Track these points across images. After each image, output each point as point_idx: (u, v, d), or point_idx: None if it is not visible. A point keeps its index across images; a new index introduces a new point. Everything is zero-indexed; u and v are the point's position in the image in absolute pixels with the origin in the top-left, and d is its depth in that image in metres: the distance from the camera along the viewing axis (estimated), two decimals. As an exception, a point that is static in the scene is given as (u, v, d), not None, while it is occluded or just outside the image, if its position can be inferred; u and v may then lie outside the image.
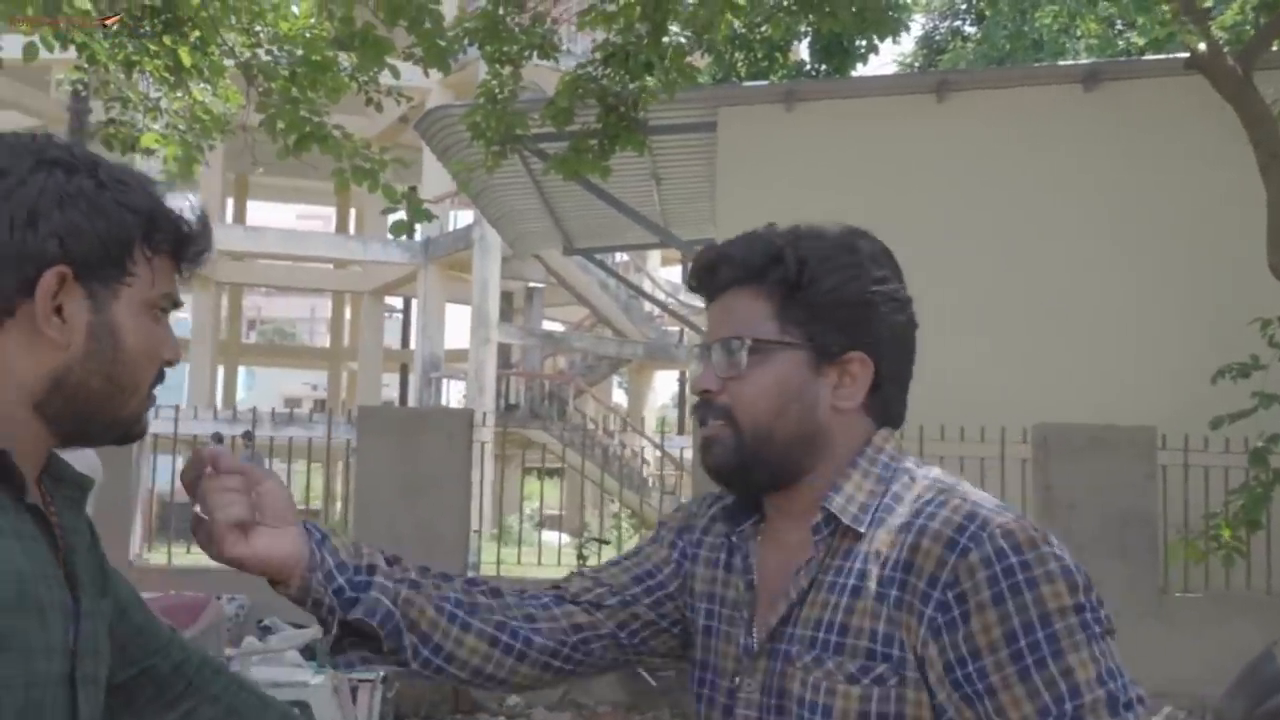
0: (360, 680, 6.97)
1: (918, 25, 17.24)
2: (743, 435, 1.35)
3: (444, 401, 22.30)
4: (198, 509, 1.28)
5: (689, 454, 10.87)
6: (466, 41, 8.22)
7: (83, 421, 1.19)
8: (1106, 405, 8.44)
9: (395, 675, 7.57)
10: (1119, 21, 15.17)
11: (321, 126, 6.57)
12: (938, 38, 17.29)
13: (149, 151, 7.77)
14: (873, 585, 1.27)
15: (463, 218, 22.94)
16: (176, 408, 9.38)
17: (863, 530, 1.31)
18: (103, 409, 1.19)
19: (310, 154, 6.76)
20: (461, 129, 8.99)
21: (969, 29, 16.89)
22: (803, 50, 12.66)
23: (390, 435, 8.44)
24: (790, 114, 9.66)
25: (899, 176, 9.47)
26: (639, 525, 17.79)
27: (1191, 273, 9.09)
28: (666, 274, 25.11)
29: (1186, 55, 7.39)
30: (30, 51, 5.96)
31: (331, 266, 29.15)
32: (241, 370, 42.75)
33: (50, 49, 6.07)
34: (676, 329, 23.44)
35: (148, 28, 7.42)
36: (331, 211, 33.17)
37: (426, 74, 6.60)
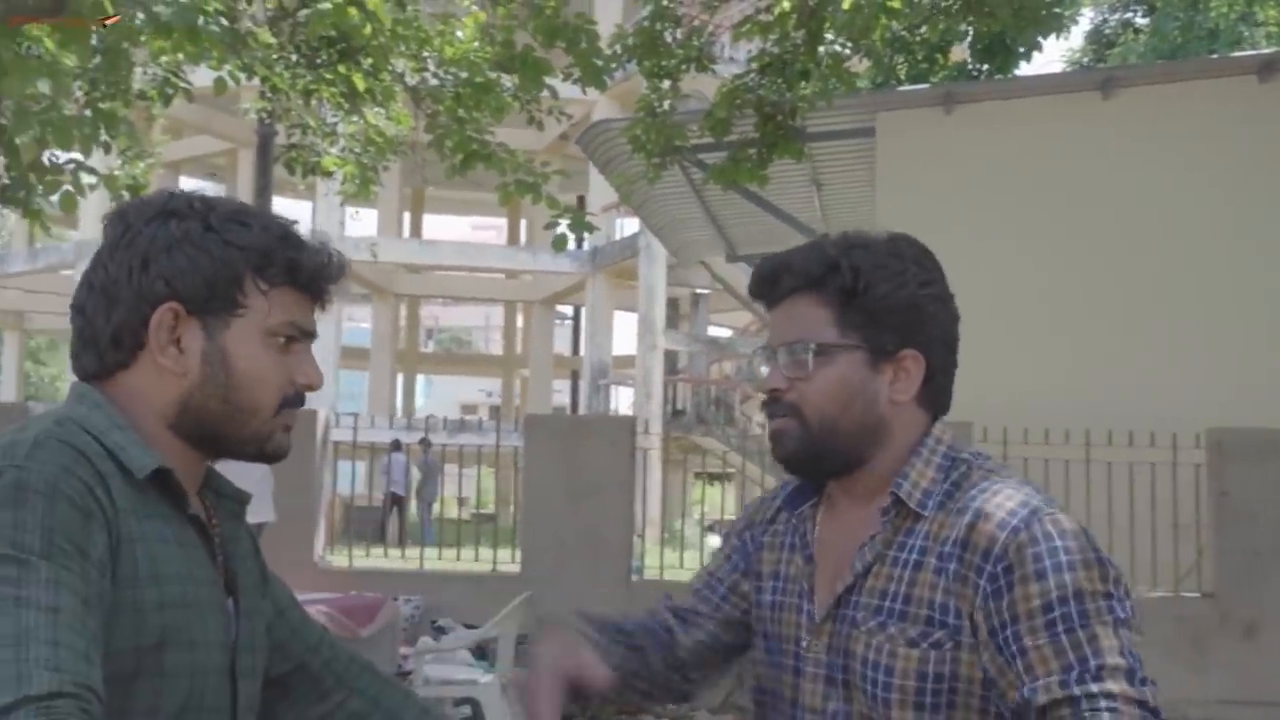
0: (529, 679, 7.20)
1: (1086, 19, 16.79)
2: (810, 429, 1.49)
3: (613, 408, 22.65)
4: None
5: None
6: (625, 58, 8.43)
7: (212, 440, 1.34)
8: (1283, 409, 8.13)
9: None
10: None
11: (486, 145, 6.84)
12: (1107, 31, 16.78)
13: (328, 173, 8.19)
14: (933, 560, 1.43)
15: (629, 226, 23.25)
16: (355, 416, 9.82)
17: (925, 513, 1.46)
18: (225, 429, 1.33)
19: (476, 170, 7.03)
20: (622, 142, 9.19)
21: (1140, 20, 16.34)
22: (964, 51, 12.51)
23: (556, 442, 8.67)
24: (949, 117, 9.56)
25: (1062, 178, 9.29)
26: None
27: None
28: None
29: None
30: (220, 85, 6.38)
31: (503, 276, 29.87)
32: (421, 379, 44.12)
33: (237, 81, 6.49)
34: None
35: (324, 57, 7.85)
36: (504, 222, 34.00)
37: (584, 91, 6.79)
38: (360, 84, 7.08)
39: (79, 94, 7.19)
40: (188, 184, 31.54)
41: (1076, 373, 8.87)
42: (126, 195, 8.55)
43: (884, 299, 1.48)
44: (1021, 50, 9.34)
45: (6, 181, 7.59)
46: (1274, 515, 7.79)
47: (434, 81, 7.05)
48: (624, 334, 25.38)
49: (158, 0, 5.37)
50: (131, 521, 1.22)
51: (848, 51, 8.58)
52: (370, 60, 7.34)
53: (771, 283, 1.55)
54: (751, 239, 13.29)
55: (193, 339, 1.31)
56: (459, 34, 7.17)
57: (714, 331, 26.62)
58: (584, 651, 1.51)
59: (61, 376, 29.58)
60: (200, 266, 1.30)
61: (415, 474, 19.94)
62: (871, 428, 1.50)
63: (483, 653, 7.16)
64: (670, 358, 22.57)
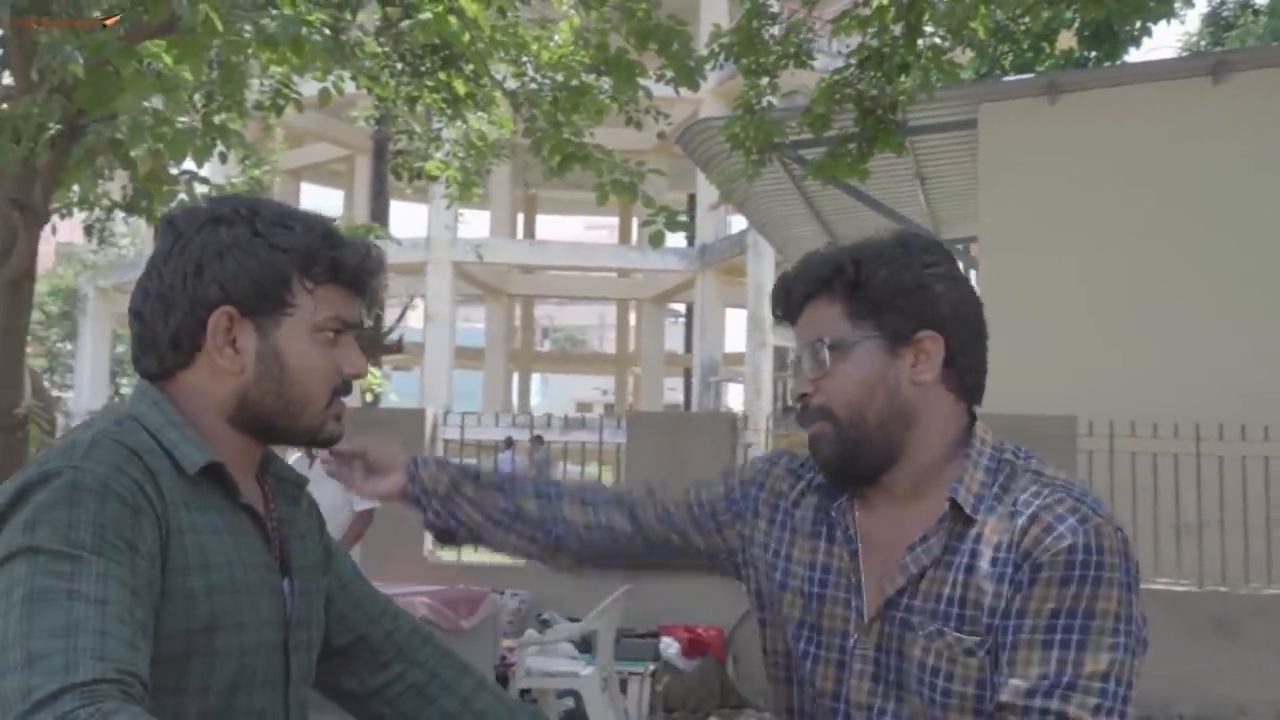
0: (630, 673, 7.30)
1: (1204, 1, 16.27)
2: (841, 425, 1.51)
3: (724, 405, 22.67)
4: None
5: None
6: (722, 56, 8.48)
7: (268, 432, 1.44)
8: None
9: (663, 670, 7.88)
10: None
11: (583, 147, 6.95)
12: (1225, 13, 16.25)
13: (433, 178, 8.40)
14: (984, 565, 1.44)
15: (738, 223, 23.27)
16: (462, 415, 10.03)
17: (976, 516, 1.47)
18: (280, 421, 1.43)
19: (575, 172, 7.15)
20: (722, 140, 9.24)
21: (1259, 0, 15.78)
22: (1071, 38, 12.25)
23: (658, 438, 8.75)
24: (1054, 107, 9.40)
25: (1170, 166, 9.06)
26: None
27: None
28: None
29: None
30: (324, 95, 6.61)
31: (615, 275, 30.09)
32: (537, 378, 44.66)
33: (340, 92, 6.71)
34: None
35: (428, 64, 8.06)
36: (617, 221, 34.25)
37: (677, 92, 6.87)
38: (461, 90, 7.26)
39: (197, 107, 7.51)
40: (308, 190, 32.42)
41: (1186, 365, 8.66)
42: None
43: (887, 283, 1.50)
44: (1133, 32, 9.09)
45: (130, 193, 7.96)
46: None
47: (532, 86, 7.18)
48: (736, 331, 25.39)
49: (264, 14, 5.60)
50: (182, 514, 1.31)
51: (947, 43, 8.51)
52: (471, 66, 7.51)
53: (786, 299, 1.59)
54: (857, 234, 13.20)
55: (247, 339, 1.39)
56: (555, 39, 7.30)
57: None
58: (411, 462, 1.71)
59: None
60: (250, 270, 1.38)
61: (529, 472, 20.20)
62: (899, 414, 1.50)
63: (586, 645, 7.27)
64: (781, 354, 22.52)
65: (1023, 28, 9.90)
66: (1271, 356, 8.57)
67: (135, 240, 36.71)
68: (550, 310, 52.90)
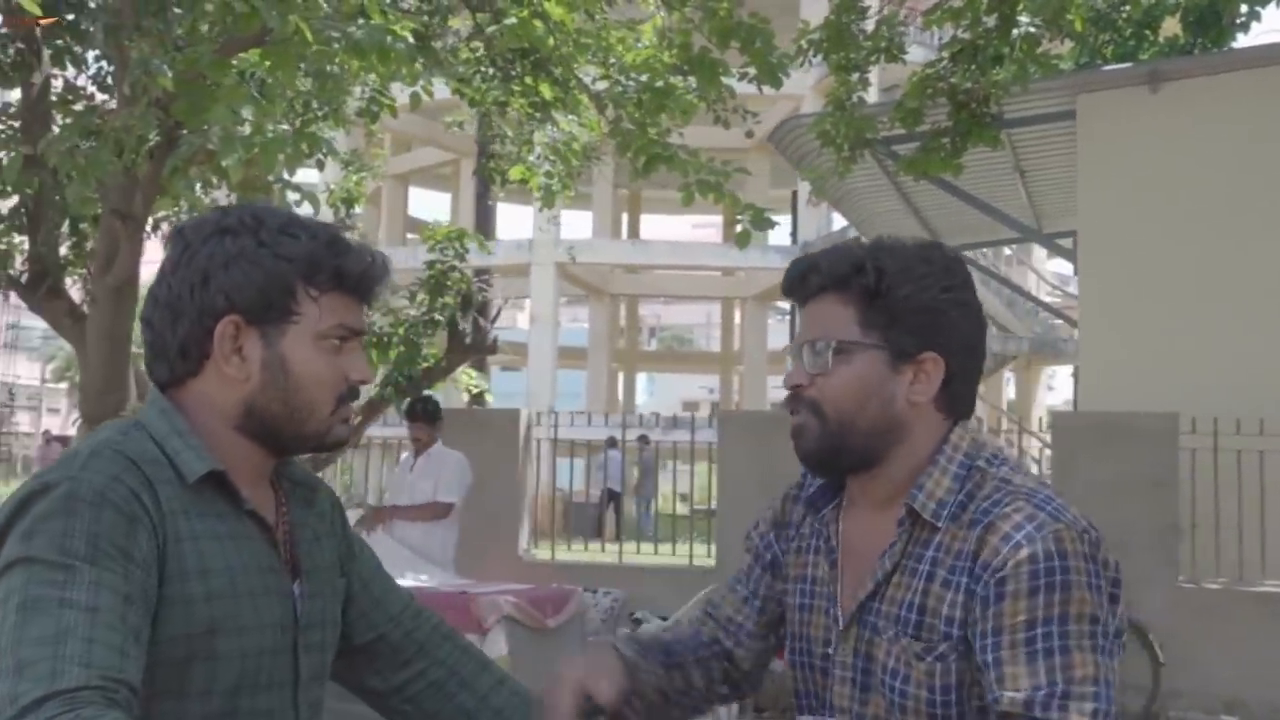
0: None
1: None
2: (828, 424, 1.53)
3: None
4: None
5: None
6: (811, 53, 8.43)
7: (275, 438, 1.47)
8: None
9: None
10: None
11: (668, 147, 6.96)
12: (1346, -5, 15.59)
13: (522, 181, 8.49)
14: (943, 573, 1.46)
15: (839, 220, 23.06)
16: (555, 414, 10.12)
17: (939, 525, 1.48)
18: (287, 428, 1.45)
19: (658, 173, 7.17)
20: (813, 137, 9.19)
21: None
22: (1175, 25, 11.88)
23: (750, 437, 8.74)
24: (1155, 96, 9.15)
25: (1277, 156, 8.76)
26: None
27: None
28: (1054, 266, 24.10)
29: None
30: (415, 100, 6.73)
31: (720, 274, 30.06)
32: (644, 377, 44.81)
33: (429, 95, 6.82)
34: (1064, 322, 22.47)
35: (518, 69, 8.15)
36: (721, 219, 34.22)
37: (760, 90, 6.84)
38: (547, 94, 7.33)
39: (293, 116, 7.71)
40: (415, 194, 32.97)
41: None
42: (343, 208, 9.11)
43: (906, 300, 1.51)
44: (1238, 21, 8.81)
45: (233, 200, 8.20)
46: None
47: (616, 88, 7.22)
48: (839, 328, 25.11)
49: (352, 23, 5.73)
50: (180, 521, 1.35)
51: (1043, 34, 8.35)
52: (560, 69, 7.58)
53: (801, 282, 1.59)
54: (956, 229, 13.04)
55: (253, 347, 1.42)
56: (642, 41, 7.32)
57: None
58: (608, 667, 1.55)
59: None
60: (255, 279, 1.41)
61: (633, 471, 20.30)
62: (888, 427, 1.52)
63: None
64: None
65: (1124, 15, 9.65)
66: None
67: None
68: (657, 309, 53.06)
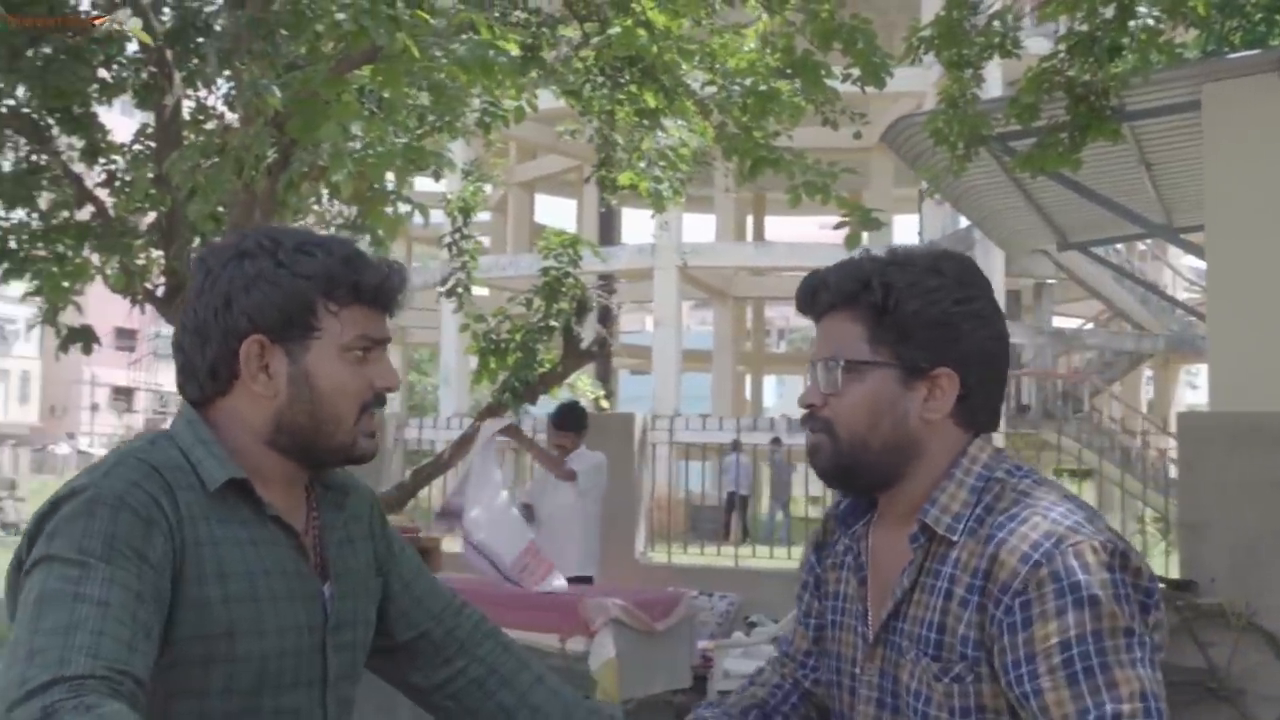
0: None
1: None
2: (840, 445, 1.51)
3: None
4: None
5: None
6: (922, 50, 8.33)
7: (304, 451, 1.52)
8: None
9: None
10: None
11: (774, 150, 6.96)
12: None
13: (631, 188, 8.57)
14: (959, 591, 1.41)
15: (963, 218, 22.67)
16: (671, 418, 10.16)
17: (955, 539, 1.44)
18: (315, 440, 1.51)
19: (765, 176, 7.18)
20: (926, 135, 9.06)
21: None
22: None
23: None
24: (1286, 83, 8.78)
25: None
26: (1165, 530, 16.73)
27: None
28: (1190, 261, 23.31)
29: None
30: (518, 112, 6.87)
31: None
32: (772, 379, 44.59)
33: (535, 108, 6.95)
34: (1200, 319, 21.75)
35: (627, 76, 8.23)
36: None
37: (864, 90, 6.79)
38: (652, 101, 7.38)
39: (409, 130, 7.90)
40: (541, 201, 33.41)
41: None
42: (459, 217, 9.30)
43: (915, 315, 1.48)
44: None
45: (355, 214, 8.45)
46: None
47: (721, 94, 7.25)
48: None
49: (456, 39, 5.87)
50: (200, 527, 1.41)
51: (1163, 24, 8.11)
52: (665, 76, 7.63)
53: (811, 299, 1.58)
54: (1084, 226, 12.71)
55: (279, 365, 1.48)
56: (749, 45, 7.33)
57: (1060, 322, 25.47)
58: None
59: (436, 387, 31.98)
60: (275, 300, 1.47)
61: (764, 473, 20.26)
62: (902, 445, 1.49)
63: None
64: (1013, 351, 21.82)
65: (1252, 0, 9.31)
66: None
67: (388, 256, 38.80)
68: (786, 311, 52.77)
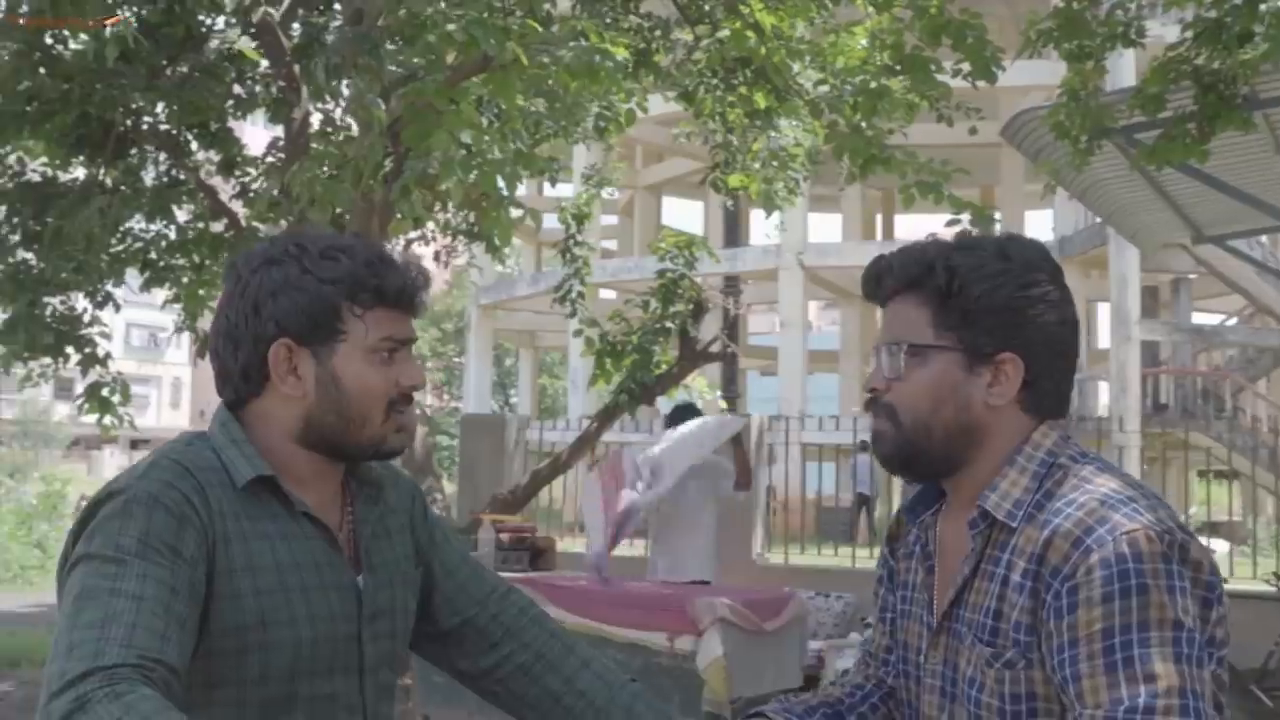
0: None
1: None
2: (903, 430, 1.51)
3: (1094, 403, 21.54)
4: None
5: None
6: (1041, 43, 8.17)
7: (334, 448, 1.59)
8: None
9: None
10: None
11: (884, 149, 6.92)
12: None
13: (744, 187, 8.58)
14: (1016, 577, 1.40)
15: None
16: (786, 419, 10.14)
17: (1015, 525, 1.43)
18: (343, 438, 1.57)
19: (875, 174, 7.13)
20: (1046, 129, 8.87)
21: None
22: None
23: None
24: None
25: None
26: (1317, 534, 16.06)
27: None
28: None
29: None
30: (629, 116, 6.96)
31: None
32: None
33: (645, 110, 7.03)
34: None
35: (740, 78, 8.25)
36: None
37: (975, 86, 6.70)
38: (761, 102, 7.39)
39: (524, 136, 8.04)
40: (669, 203, 33.55)
41: None
42: (573, 223, 9.44)
43: (979, 300, 1.47)
44: None
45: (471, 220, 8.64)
46: None
47: (831, 93, 7.23)
48: (1103, 326, 24.08)
49: (564, 45, 5.97)
50: (230, 523, 1.49)
51: (1295, 8, 7.81)
52: (777, 77, 7.64)
53: (876, 284, 1.58)
54: (1220, 219, 12.26)
55: (307, 367, 1.55)
56: (860, 43, 7.28)
57: (1200, 319, 24.59)
58: None
59: (566, 390, 32.32)
60: (301, 304, 1.53)
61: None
62: (966, 430, 1.48)
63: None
64: (1150, 349, 21.16)
65: (1397, -21, 8.85)
66: None
67: (518, 261, 39.35)
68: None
